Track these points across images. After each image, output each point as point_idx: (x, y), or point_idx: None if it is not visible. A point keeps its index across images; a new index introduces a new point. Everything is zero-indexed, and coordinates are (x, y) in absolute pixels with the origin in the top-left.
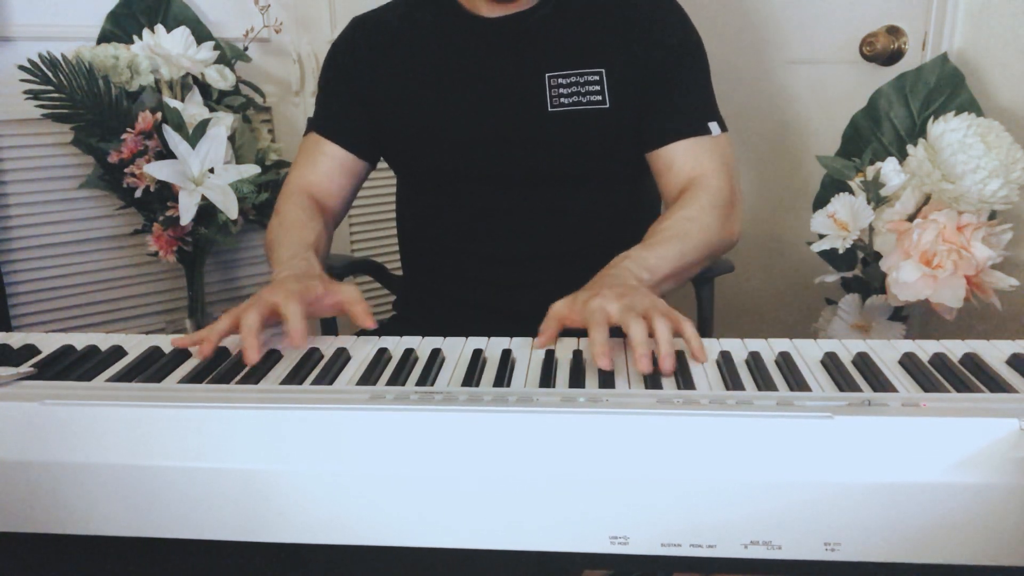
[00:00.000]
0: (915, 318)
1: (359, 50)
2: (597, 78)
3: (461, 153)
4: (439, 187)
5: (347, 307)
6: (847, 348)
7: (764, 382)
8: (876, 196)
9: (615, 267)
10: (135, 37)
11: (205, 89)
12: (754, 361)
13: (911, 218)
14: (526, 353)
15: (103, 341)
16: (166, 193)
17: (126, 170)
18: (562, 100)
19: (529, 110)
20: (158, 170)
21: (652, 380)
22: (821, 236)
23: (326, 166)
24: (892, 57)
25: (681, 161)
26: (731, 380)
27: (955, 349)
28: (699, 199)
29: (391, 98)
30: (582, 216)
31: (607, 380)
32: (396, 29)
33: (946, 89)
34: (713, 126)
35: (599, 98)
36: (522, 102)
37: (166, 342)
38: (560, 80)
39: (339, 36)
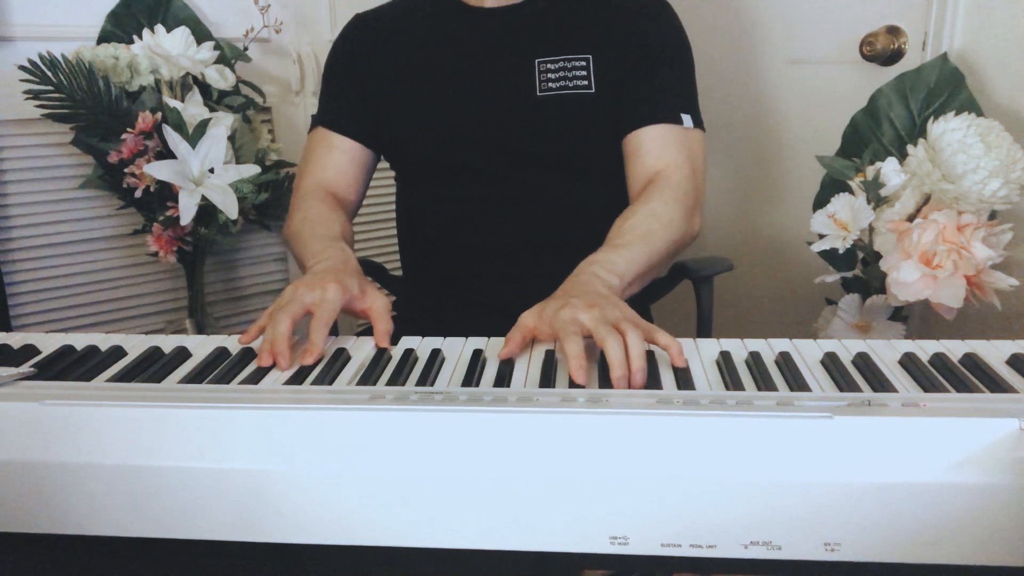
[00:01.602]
0: (915, 318)
1: (360, 43)
2: (584, 63)
3: (454, 139)
4: (435, 177)
5: (372, 318)
6: (847, 348)
7: (764, 382)
8: (876, 196)
9: (583, 273)
10: (135, 37)
11: (205, 89)
12: (754, 361)
13: (911, 218)
14: (526, 353)
15: (103, 341)
16: (166, 193)
17: (126, 170)
18: (550, 85)
19: (518, 95)
20: (158, 170)
21: (652, 380)
22: (821, 236)
23: (337, 159)
24: (892, 57)
25: (648, 147)
26: (731, 380)
27: (955, 349)
28: (663, 193)
29: (389, 89)
30: (577, 207)
31: (607, 380)
32: (396, 23)
33: (946, 89)
34: (686, 118)
35: (585, 83)
36: (512, 87)
37: (166, 342)
38: (549, 65)
39: (342, 31)
